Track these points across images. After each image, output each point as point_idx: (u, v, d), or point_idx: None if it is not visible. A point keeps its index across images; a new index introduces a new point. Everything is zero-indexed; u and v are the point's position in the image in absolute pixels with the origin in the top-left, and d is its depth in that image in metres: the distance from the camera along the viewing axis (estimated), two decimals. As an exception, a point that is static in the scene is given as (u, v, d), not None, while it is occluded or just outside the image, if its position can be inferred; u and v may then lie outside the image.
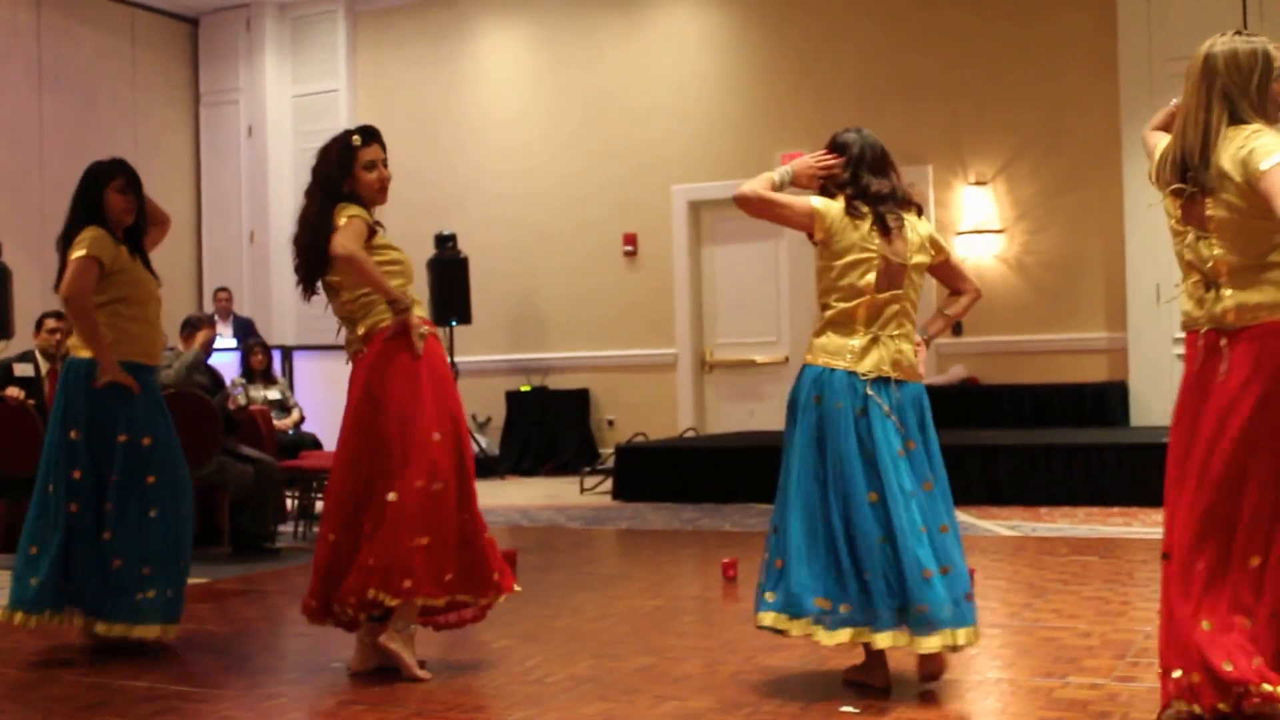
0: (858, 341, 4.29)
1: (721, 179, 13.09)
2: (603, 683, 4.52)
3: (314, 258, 4.78)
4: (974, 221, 12.19)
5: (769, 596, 4.24)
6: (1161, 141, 3.75)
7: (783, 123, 12.80)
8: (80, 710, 4.36)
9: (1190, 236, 3.59)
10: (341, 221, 4.70)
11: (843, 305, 4.31)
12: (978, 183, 12.23)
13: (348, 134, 4.92)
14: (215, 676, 4.88)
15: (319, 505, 9.51)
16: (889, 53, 12.54)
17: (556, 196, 13.81)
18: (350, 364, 4.87)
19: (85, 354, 5.21)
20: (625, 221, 13.55)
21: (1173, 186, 3.60)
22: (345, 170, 4.82)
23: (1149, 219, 10.96)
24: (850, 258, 4.31)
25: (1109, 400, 11.33)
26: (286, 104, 14.81)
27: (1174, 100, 3.86)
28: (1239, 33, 3.65)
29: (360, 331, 4.79)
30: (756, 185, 4.33)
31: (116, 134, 13.23)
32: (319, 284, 4.87)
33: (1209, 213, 3.54)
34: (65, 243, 5.28)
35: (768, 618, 4.23)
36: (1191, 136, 3.57)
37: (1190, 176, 3.56)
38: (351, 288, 4.77)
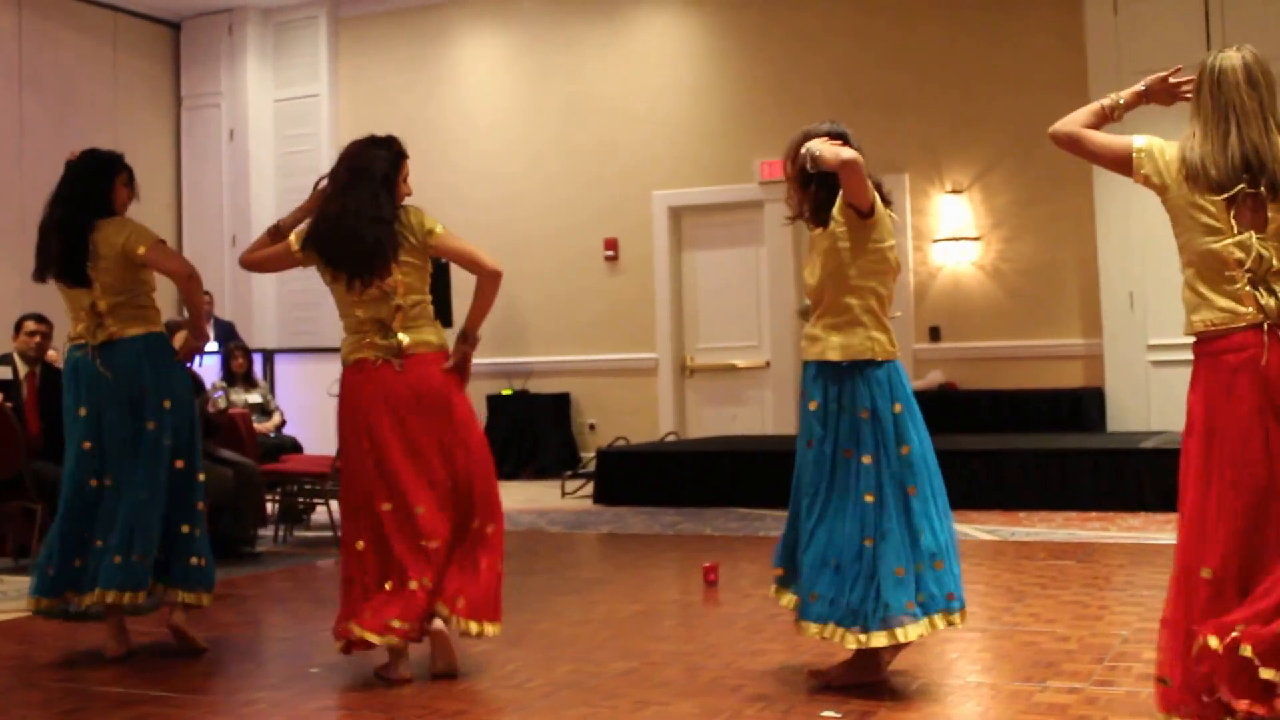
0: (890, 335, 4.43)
1: (701, 185, 13.16)
2: (583, 687, 4.53)
3: (385, 250, 4.77)
4: (950, 229, 12.24)
5: (913, 603, 4.24)
6: (1158, 143, 3.72)
7: (760, 131, 12.83)
8: (56, 716, 4.36)
9: (1248, 236, 3.60)
10: (439, 230, 4.90)
11: (883, 291, 4.39)
12: (954, 191, 12.28)
13: (395, 141, 4.96)
14: (193, 682, 4.87)
15: (301, 507, 9.52)
16: (865, 64, 12.58)
17: (537, 202, 13.82)
18: (358, 366, 4.82)
19: (134, 331, 5.28)
20: (606, 227, 13.56)
21: (1237, 188, 3.58)
22: (395, 175, 4.90)
23: (1121, 227, 11.10)
24: (890, 240, 4.42)
25: (1085, 405, 11.38)
26: (268, 108, 14.78)
27: (1104, 100, 3.88)
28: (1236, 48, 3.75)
29: (406, 341, 4.80)
30: (844, 151, 4.24)
31: (97, 137, 13.08)
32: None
33: (1272, 215, 3.60)
34: (74, 227, 5.28)
35: (920, 625, 4.25)
36: (1258, 139, 3.61)
37: (1249, 177, 3.59)
38: (415, 293, 4.85)
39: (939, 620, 4.28)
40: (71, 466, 5.30)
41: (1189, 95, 3.83)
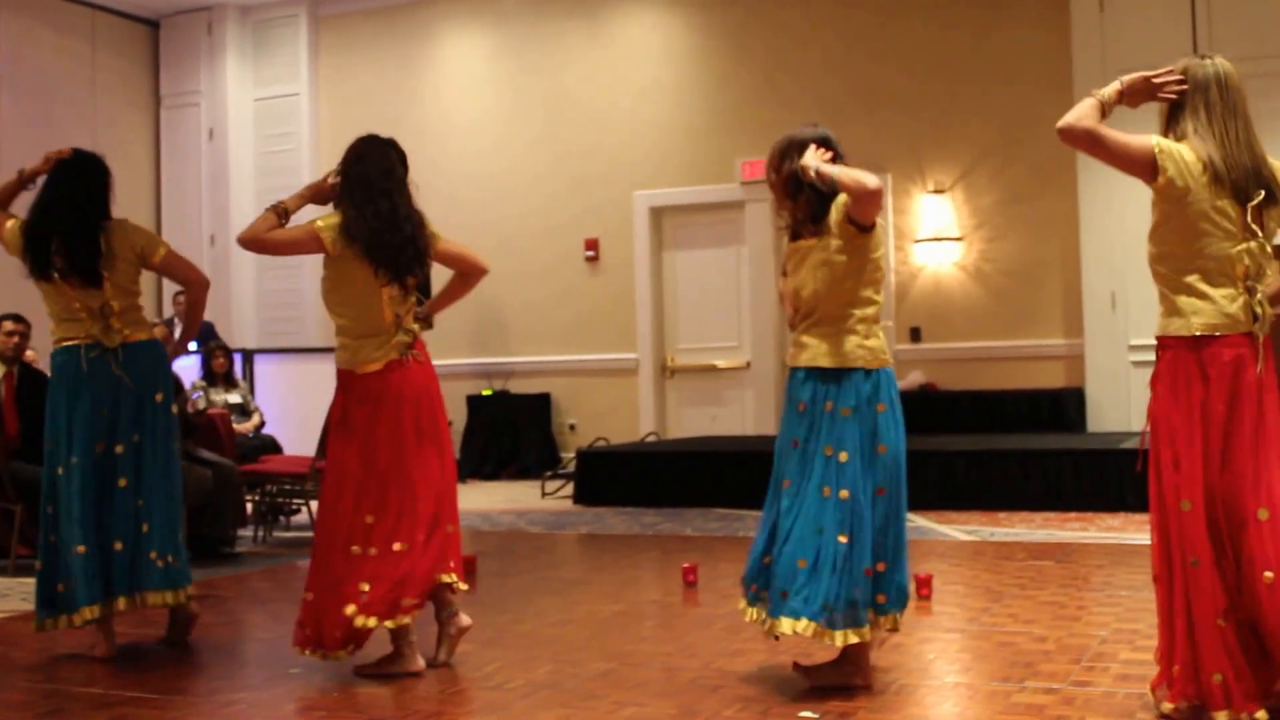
0: None
1: (683, 185, 13.16)
2: (562, 688, 4.53)
3: (423, 254, 5.01)
4: (933, 229, 12.26)
5: (881, 599, 4.35)
6: (1172, 144, 3.78)
7: (744, 130, 12.85)
8: (36, 717, 4.34)
9: (1256, 244, 3.72)
10: (438, 233, 5.15)
11: (878, 299, 4.44)
12: (936, 191, 12.30)
13: (397, 143, 5.08)
14: (173, 682, 4.85)
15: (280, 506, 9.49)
16: (849, 63, 12.60)
17: (518, 202, 13.81)
18: (392, 366, 4.89)
19: (142, 336, 5.38)
20: (587, 227, 13.56)
21: (1259, 193, 3.72)
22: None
23: (1103, 228, 11.14)
24: (882, 249, 4.45)
25: (1066, 406, 11.41)
26: (248, 107, 14.74)
27: (1099, 94, 3.84)
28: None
29: (421, 333, 5.02)
30: (868, 178, 4.20)
31: (76, 136, 13.06)
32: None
33: (1269, 222, 3.74)
34: (87, 226, 5.31)
35: (891, 619, 4.39)
36: (1255, 144, 3.75)
37: (1257, 181, 3.72)
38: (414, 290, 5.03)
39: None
40: (80, 471, 5.23)
41: (1172, 96, 3.84)
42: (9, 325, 8.09)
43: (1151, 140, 3.77)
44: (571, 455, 12.16)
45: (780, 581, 4.26)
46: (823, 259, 4.35)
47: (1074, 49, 11.48)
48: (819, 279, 4.35)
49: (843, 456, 4.28)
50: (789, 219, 4.49)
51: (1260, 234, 3.72)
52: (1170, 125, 3.85)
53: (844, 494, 4.25)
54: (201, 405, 9.45)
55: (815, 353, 4.36)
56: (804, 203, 4.41)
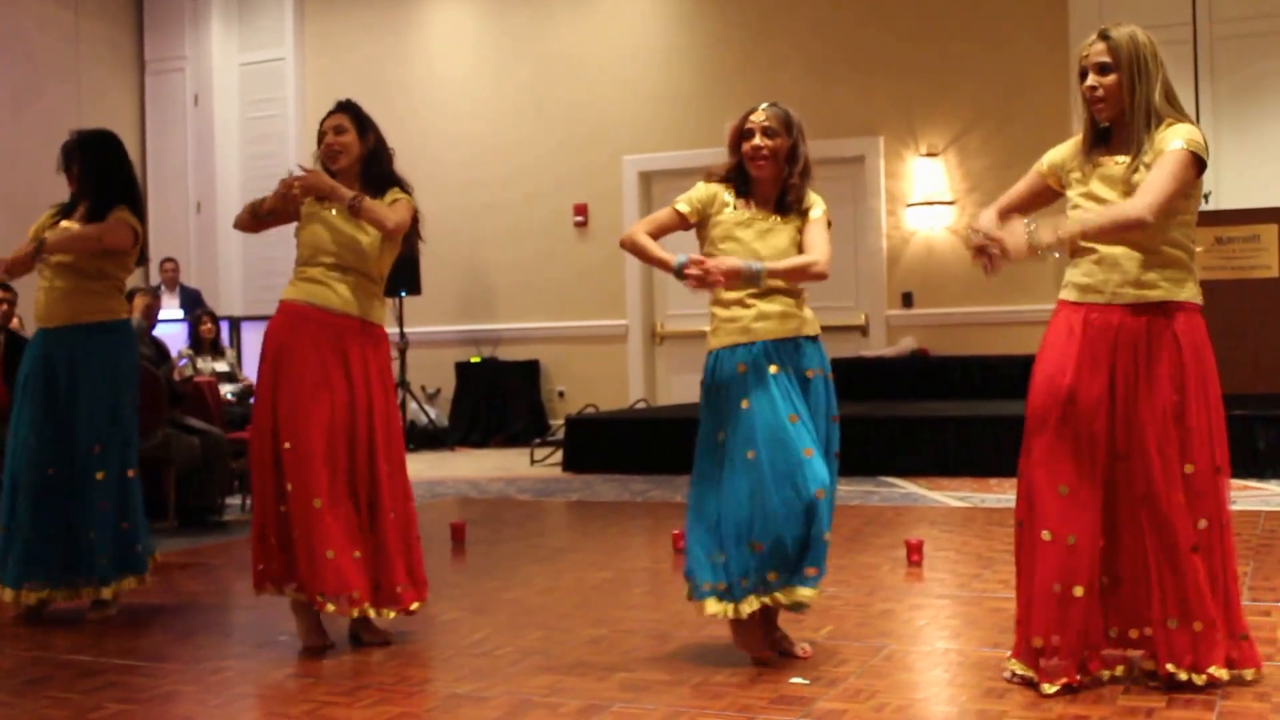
0: None
1: (672, 149, 13.09)
2: (551, 655, 4.51)
3: None
4: (925, 193, 12.21)
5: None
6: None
7: (733, 93, 12.74)
8: (23, 685, 4.31)
9: None
10: None
11: None
12: (929, 154, 12.25)
13: None
14: (160, 650, 4.82)
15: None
16: (840, 25, 12.53)
17: (507, 166, 13.74)
18: (374, 337, 5.06)
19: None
20: (576, 192, 13.50)
21: None
22: None
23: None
24: None
25: (1058, 372, 11.37)
26: (233, 72, 14.63)
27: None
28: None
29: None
30: None
31: (60, 102, 13.03)
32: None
33: None
34: None
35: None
36: None
37: None
38: None
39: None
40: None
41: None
42: (-2, 293, 8.03)
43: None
44: (560, 422, 12.13)
45: (819, 555, 4.21)
46: (792, 237, 4.39)
47: (1070, 9, 11.36)
48: (793, 255, 4.37)
49: (834, 419, 4.36)
50: (771, 191, 4.42)
51: None
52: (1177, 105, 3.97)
53: (838, 455, 4.35)
54: (188, 373, 9.40)
55: (801, 322, 4.41)
56: (797, 183, 4.36)
